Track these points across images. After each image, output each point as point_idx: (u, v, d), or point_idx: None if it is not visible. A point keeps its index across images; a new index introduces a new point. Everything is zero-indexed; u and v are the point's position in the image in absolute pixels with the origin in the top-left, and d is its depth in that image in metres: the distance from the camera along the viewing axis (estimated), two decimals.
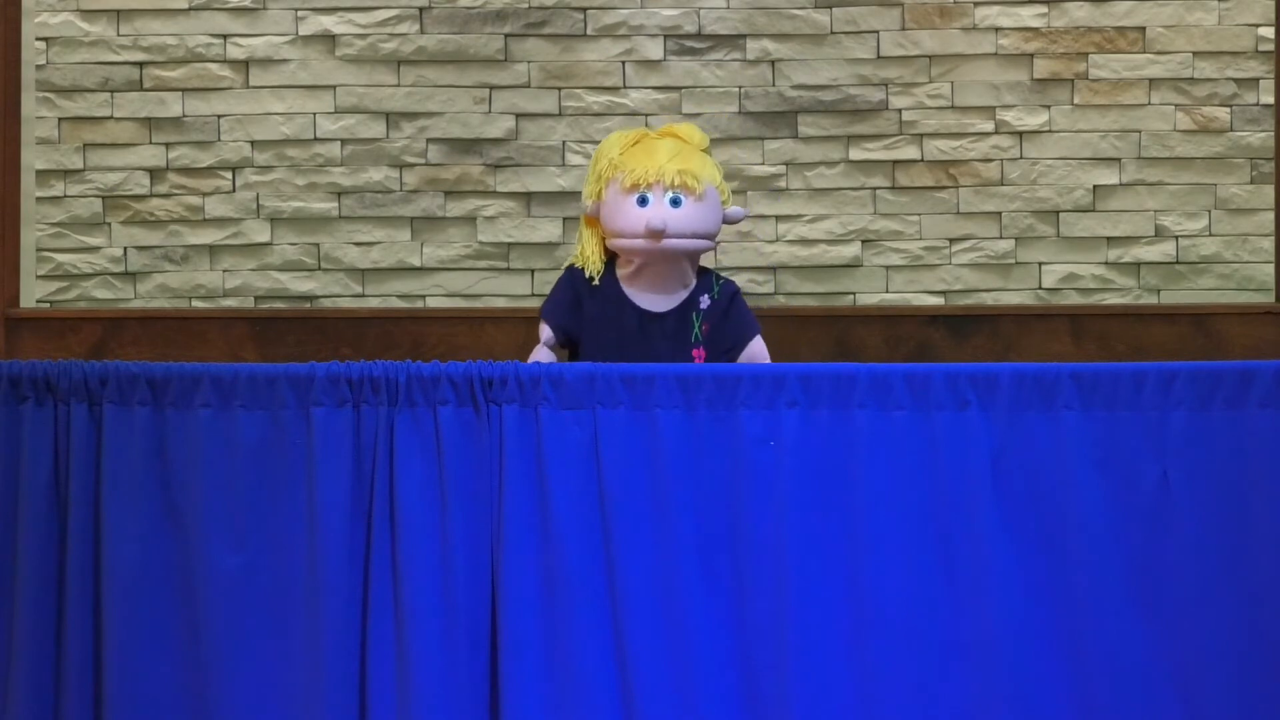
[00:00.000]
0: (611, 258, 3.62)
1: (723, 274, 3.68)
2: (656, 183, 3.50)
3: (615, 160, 3.56)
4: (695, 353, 3.58)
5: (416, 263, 5.40)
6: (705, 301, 3.60)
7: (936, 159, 5.39)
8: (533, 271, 5.41)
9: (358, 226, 5.41)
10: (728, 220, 3.60)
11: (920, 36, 5.39)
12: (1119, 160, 5.41)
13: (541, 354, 3.61)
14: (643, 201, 3.50)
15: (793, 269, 5.38)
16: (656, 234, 3.47)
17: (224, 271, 5.41)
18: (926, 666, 3.07)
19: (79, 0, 5.40)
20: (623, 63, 5.41)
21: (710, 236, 3.56)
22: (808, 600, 3.07)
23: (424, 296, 5.39)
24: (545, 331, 3.62)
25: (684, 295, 3.59)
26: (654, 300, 3.58)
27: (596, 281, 3.58)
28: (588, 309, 3.58)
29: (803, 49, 5.40)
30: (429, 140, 5.41)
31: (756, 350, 3.63)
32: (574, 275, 3.62)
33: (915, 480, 3.10)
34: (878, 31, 5.40)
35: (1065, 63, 5.41)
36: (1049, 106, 5.41)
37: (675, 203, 3.50)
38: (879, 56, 5.40)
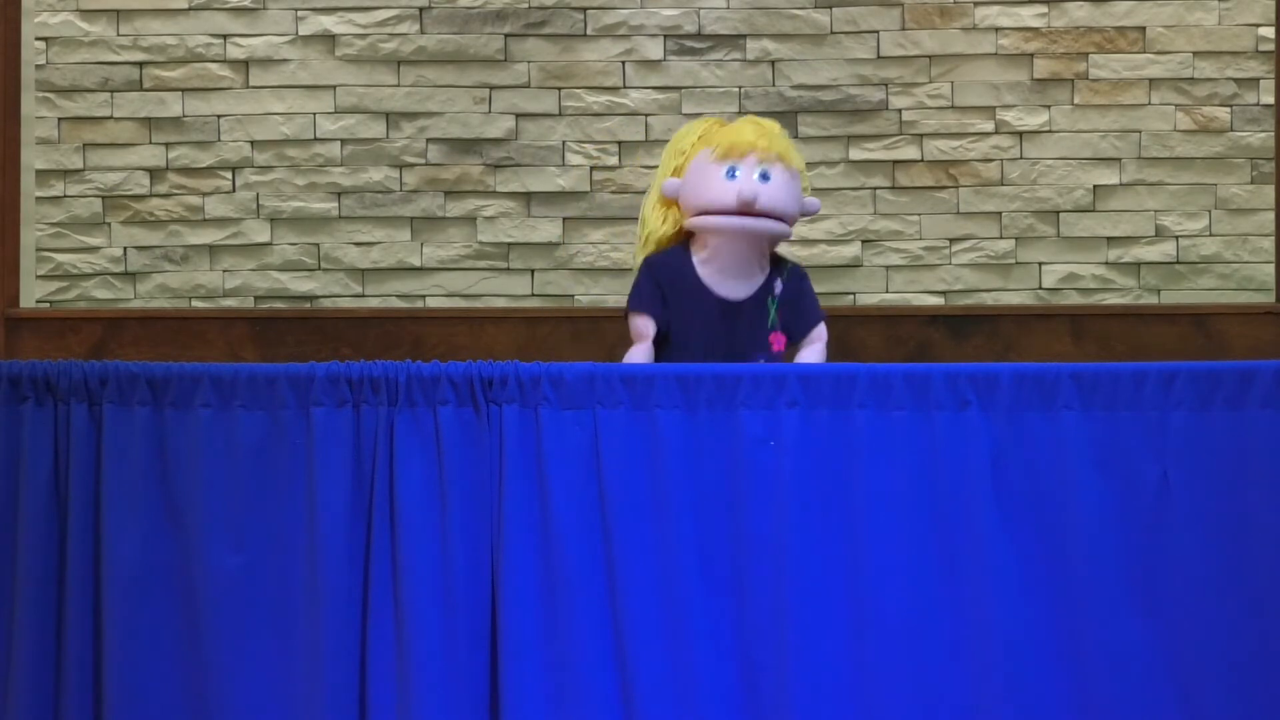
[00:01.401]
0: (685, 246, 3.58)
1: (794, 262, 3.66)
2: (750, 154, 3.48)
3: (704, 134, 3.54)
4: (773, 337, 3.55)
5: (416, 263, 5.40)
6: (779, 286, 3.58)
7: (936, 159, 5.39)
8: (532, 271, 5.41)
9: (358, 226, 5.41)
10: (805, 211, 3.57)
11: (920, 36, 5.39)
12: (1119, 160, 5.41)
13: (639, 352, 3.54)
14: (731, 174, 3.48)
15: None
16: (748, 204, 3.43)
17: (224, 271, 5.41)
18: (926, 666, 3.07)
19: (79, 0, 5.40)
20: (623, 63, 5.41)
21: (790, 220, 3.52)
22: (808, 600, 3.07)
23: (424, 296, 5.39)
24: (648, 325, 3.54)
25: (760, 280, 3.56)
26: (732, 288, 3.54)
27: (669, 255, 3.55)
28: (671, 301, 3.55)
29: (803, 49, 5.40)
30: (429, 140, 5.41)
31: (815, 335, 3.61)
32: (653, 268, 3.56)
33: (915, 480, 3.10)
34: (878, 31, 5.40)
35: (1065, 63, 5.41)
36: (1049, 106, 5.41)
37: (764, 177, 3.48)
38: (879, 56, 5.40)
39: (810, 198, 3.58)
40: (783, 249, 3.65)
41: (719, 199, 3.46)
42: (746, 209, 3.44)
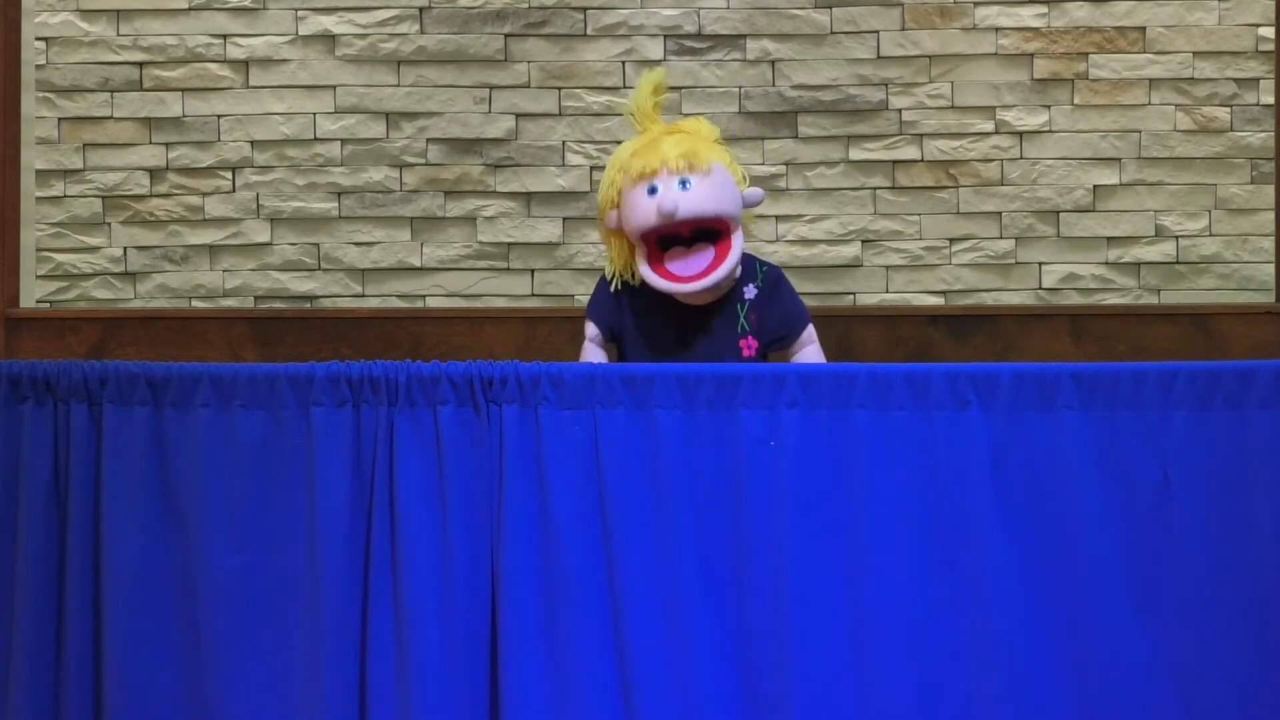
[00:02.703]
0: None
1: (770, 263, 3.67)
2: (661, 168, 3.49)
3: (624, 163, 3.56)
4: (743, 343, 3.56)
5: (416, 263, 5.40)
6: (751, 291, 3.58)
7: (936, 159, 5.39)
8: (533, 271, 5.41)
9: (358, 226, 5.41)
10: (747, 203, 3.57)
11: (920, 36, 5.39)
12: (1119, 160, 5.41)
13: (590, 350, 3.61)
14: (652, 191, 3.49)
15: (793, 269, 5.37)
16: (668, 216, 3.45)
17: (224, 271, 5.41)
18: (926, 666, 3.07)
19: (79, 0, 5.40)
20: (623, 63, 5.41)
21: (729, 216, 3.52)
22: (808, 600, 3.07)
23: (424, 296, 5.39)
24: (590, 329, 3.62)
25: (729, 286, 3.57)
26: (698, 295, 3.55)
27: (633, 282, 3.58)
28: (628, 307, 3.58)
29: (803, 49, 5.40)
30: (429, 140, 5.41)
31: (805, 338, 3.61)
32: (611, 278, 3.62)
33: (915, 480, 3.10)
34: (878, 31, 5.40)
35: (1065, 63, 5.41)
36: (1049, 106, 5.41)
37: (683, 184, 3.49)
38: (879, 56, 5.40)
39: (751, 189, 3.58)
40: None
41: (644, 219, 3.48)
42: (667, 221, 3.45)
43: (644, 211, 3.48)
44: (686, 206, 3.46)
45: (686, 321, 3.56)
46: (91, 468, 3.12)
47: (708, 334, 3.55)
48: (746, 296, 3.57)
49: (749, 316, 3.57)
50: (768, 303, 3.58)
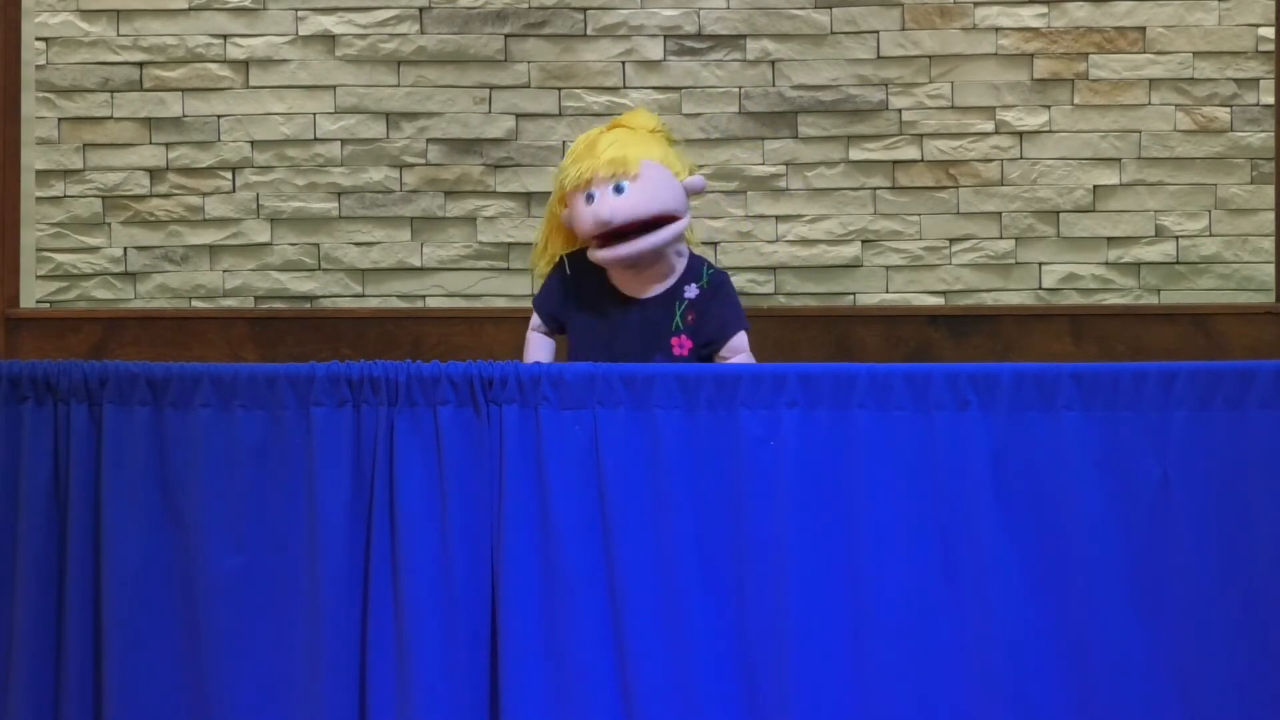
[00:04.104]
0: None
1: (717, 267, 3.69)
2: (593, 177, 3.55)
3: (565, 167, 3.63)
4: (675, 341, 3.58)
5: (416, 263, 5.40)
6: (692, 290, 3.61)
7: (936, 159, 5.39)
8: (532, 271, 5.41)
9: (358, 226, 5.41)
10: (689, 190, 3.61)
11: (920, 36, 5.39)
12: (1119, 160, 5.41)
13: (533, 339, 3.71)
14: (590, 199, 3.54)
15: (793, 269, 5.37)
16: (604, 224, 3.51)
17: (224, 271, 5.41)
18: (926, 666, 3.07)
19: (79, 0, 5.40)
20: (623, 63, 5.41)
21: (668, 212, 3.56)
22: (808, 600, 3.06)
23: (424, 296, 5.39)
24: (534, 319, 3.71)
25: (669, 283, 3.61)
26: (637, 287, 3.61)
27: (575, 267, 3.64)
28: (574, 296, 3.63)
29: (803, 49, 5.40)
30: (429, 140, 5.41)
31: (736, 344, 3.62)
32: (563, 265, 3.67)
33: (915, 480, 3.10)
34: (878, 31, 5.40)
35: (1065, 63, 5.41)
36: (1049, 106, 5.41)
37: (618, 190, 3.54)
38: (879, 56, 5.40)
39: (692, 177, 3.63)
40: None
41: (584, 227, 3.57)
42: (603, 229, 3.52)
43: (584, 220, 3.56)
44: (621, 213, 3.52)
45: (623, 312, 3.59)
46: (91, 468, 3.12)
47: (642, 326, 3.58)
48: (687, 295, 3.60)
49: (686, 315, 3.60)
50: (708, 304, 3.61)
